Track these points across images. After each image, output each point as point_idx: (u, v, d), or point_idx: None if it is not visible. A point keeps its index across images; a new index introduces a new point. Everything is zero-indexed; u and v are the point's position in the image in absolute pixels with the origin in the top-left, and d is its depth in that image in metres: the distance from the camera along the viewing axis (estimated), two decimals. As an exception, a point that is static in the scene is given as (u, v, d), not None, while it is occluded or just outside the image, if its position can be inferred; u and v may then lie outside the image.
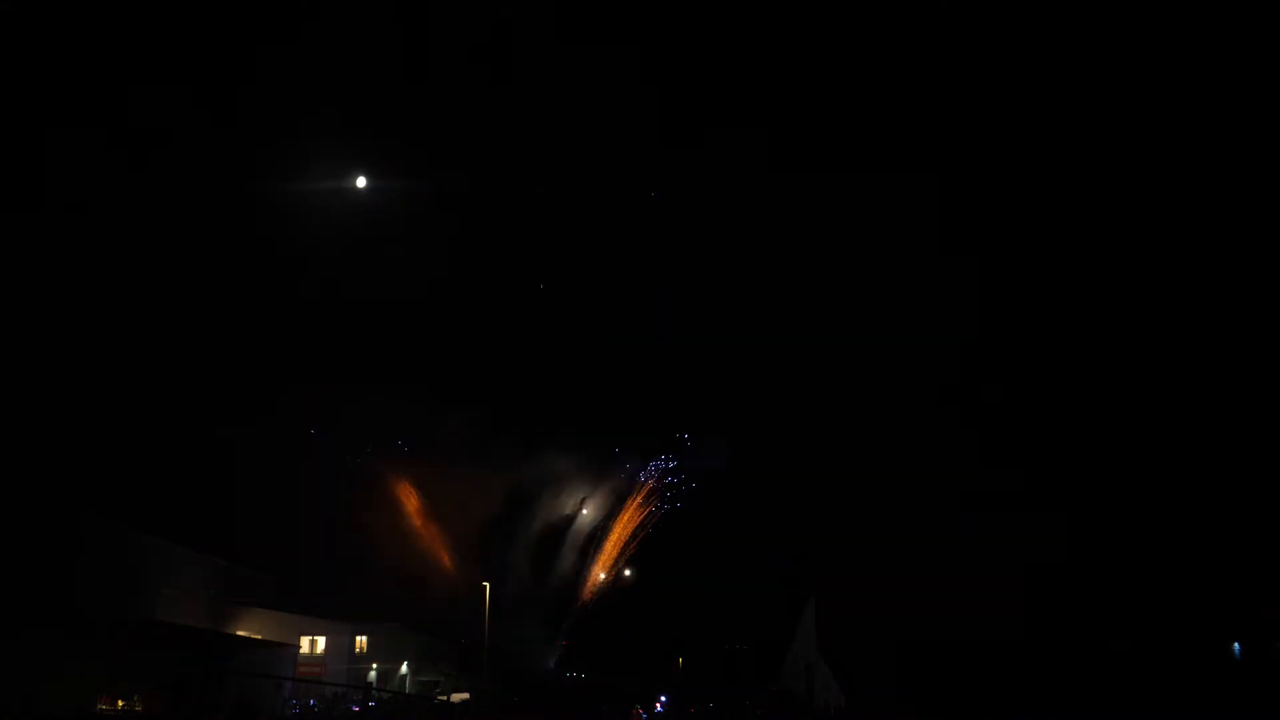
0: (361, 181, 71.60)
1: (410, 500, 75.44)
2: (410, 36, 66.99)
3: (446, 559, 75.10)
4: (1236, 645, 57.70)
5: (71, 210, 58.33)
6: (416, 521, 75.25)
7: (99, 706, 42.86)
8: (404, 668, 66.49)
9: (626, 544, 78.50)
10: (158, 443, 63.40)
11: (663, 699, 60.00)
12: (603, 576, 78.23)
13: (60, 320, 60.28)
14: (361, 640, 63.18)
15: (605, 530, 78.36)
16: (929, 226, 72.47)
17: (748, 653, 72.16)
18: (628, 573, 78.47)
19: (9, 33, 51.96)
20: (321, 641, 61.84)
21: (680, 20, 68.93)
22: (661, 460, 78.29)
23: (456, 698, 60.86)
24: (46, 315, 59.49)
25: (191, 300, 66.66)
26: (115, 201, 61.29)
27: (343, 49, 67.55)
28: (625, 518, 78.34)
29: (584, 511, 77.96)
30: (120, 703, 44.08)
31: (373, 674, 62.93)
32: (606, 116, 72.70)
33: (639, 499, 78.14)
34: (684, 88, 73.05)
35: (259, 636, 58.87)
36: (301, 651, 59.76)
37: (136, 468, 61.77)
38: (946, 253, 73.08)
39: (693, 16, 68.28)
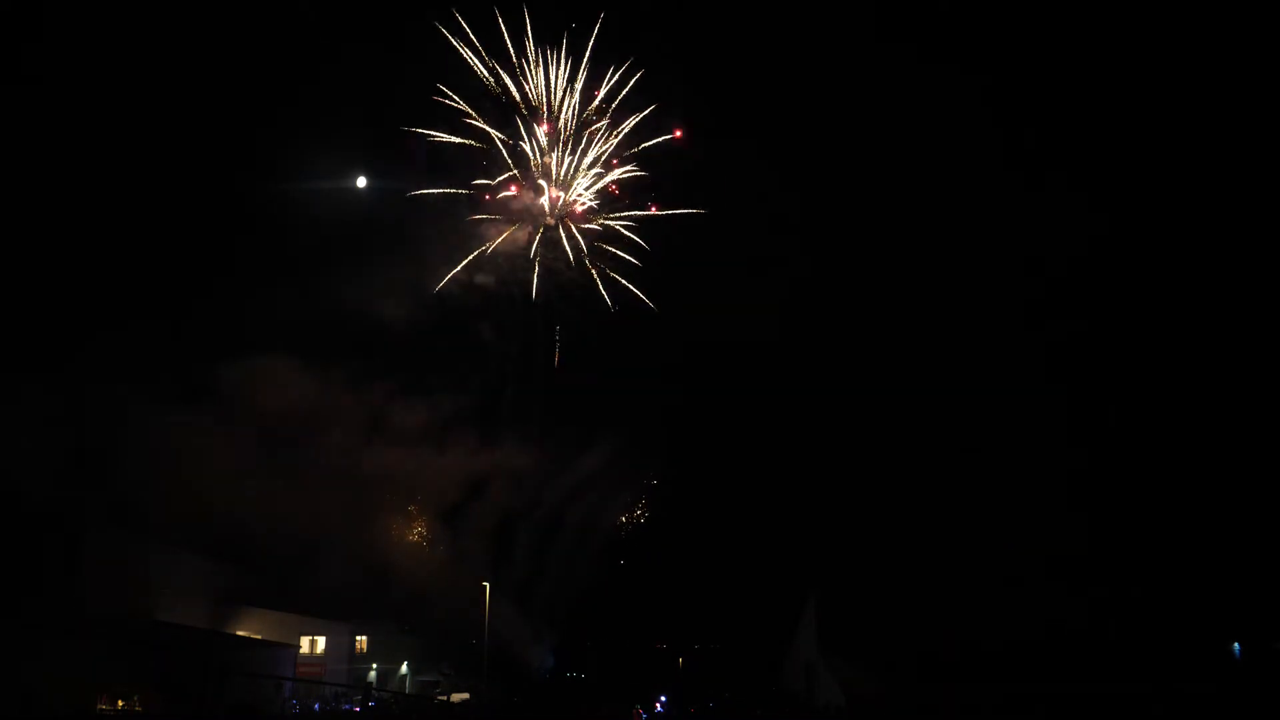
0: (361, 181, 72.02)
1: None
2: None
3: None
4: (1236, 645, 57.72)
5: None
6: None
7: (99, 706, 42.92)
8: (404, 668, 66.54)
9: None
10: (156, 442, 63.41)
11: (663, 699, 60.05)
12: None
13: (55, 317, 60.47)
14: (361, 640, 63.23)
15: None
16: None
17: (748, 652, 72.09)
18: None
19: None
20: (321, 641, 61.89)
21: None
22: None
23: (456, 698, 60.92)
24: (42, 314, 59.72)
25: (182, 292, 66.89)
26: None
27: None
28: None
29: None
30: (120, 703, 44.14)
31: (372, 674, 63.00)
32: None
33: None
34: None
35: (259, 636, 58.89)
36: (301, 651, 59.80)
37: (136, 467, 61.81)
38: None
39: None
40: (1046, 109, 72.33)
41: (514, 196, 71.54)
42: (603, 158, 71.62)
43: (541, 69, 69.89)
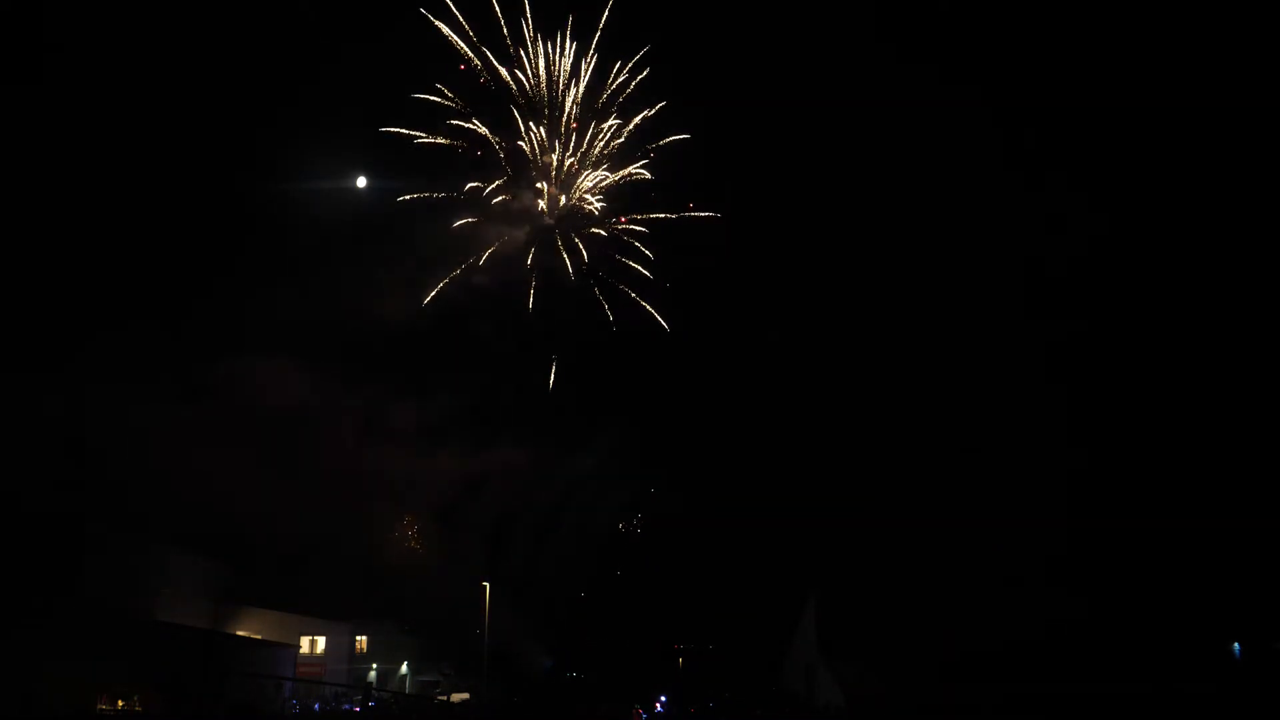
0: (361, 181, 72.06)
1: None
2: None
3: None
4: (1236, 645, 57.69)
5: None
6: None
7: (99, 706, 42.91)
8: (404, 668, 66.58)
9: None
10: (157, 442, 63.44)
11: (663, 699, 60.10)
12: None
13: (55, 317, 60.53)
14: (361, 640, 63.29)
15: None
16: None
17: (748, 652, 72.09)
18: None
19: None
20: (321, 641, 61.92)
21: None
22: None
23: (456, 698, 60.94)
24: (42, 314, 59.76)
25: (182, 292, 66.95)
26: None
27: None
28: None
29: None
30: (120, 703, 44.14)
31: (372, 674, 63.05)
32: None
33: None
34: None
35: (259, 636, 58.90)
36: (301, 651, 59.83)
37: (136, 467, 61.82)
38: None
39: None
40: (1046, 109, 72.47)
41: (511, 198, 71.45)
42: (607, 157, 71.47)
43: (542, 61, 69.71)
